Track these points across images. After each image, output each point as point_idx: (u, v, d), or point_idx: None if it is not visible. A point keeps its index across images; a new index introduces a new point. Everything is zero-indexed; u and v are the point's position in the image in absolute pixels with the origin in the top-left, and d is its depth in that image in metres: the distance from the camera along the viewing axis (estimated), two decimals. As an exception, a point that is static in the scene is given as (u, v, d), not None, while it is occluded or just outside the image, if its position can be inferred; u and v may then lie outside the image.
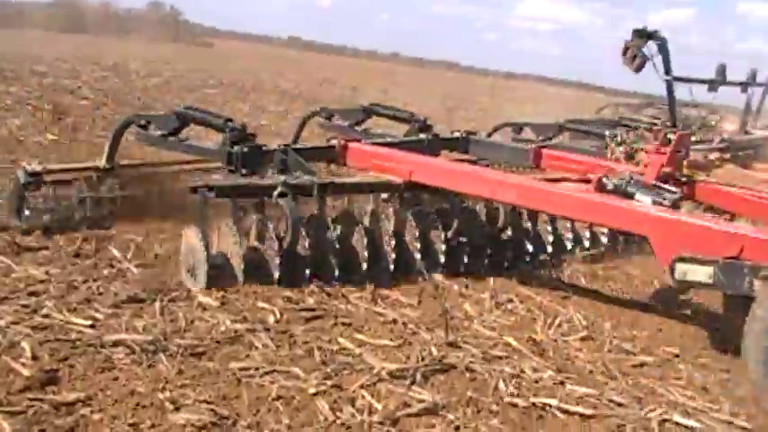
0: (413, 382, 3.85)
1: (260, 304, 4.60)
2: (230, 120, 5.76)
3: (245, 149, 5.53)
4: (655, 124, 8.89)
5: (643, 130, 7.94)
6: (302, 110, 16.10)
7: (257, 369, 3.80)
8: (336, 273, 5.16)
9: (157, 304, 4.43)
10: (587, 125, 8.73)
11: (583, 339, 4.74)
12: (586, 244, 6.85)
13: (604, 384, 4.10)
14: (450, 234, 5.73)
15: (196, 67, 24.19)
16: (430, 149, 6.99)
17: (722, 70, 8.55)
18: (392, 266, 5.45)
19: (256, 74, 25.80)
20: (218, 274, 4.81)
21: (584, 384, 4.05)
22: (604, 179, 5.19)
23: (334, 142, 6.38)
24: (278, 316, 4.48)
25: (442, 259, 5.67)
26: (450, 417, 3.57)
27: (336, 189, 5.62)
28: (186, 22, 59.20)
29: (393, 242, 5.46)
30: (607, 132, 7.55)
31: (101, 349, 3.77)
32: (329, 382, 3.74)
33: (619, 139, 7.12)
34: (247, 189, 5.27)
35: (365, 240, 5.29)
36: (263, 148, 5.70)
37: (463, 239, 5.80)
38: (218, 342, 4.04)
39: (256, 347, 4.06)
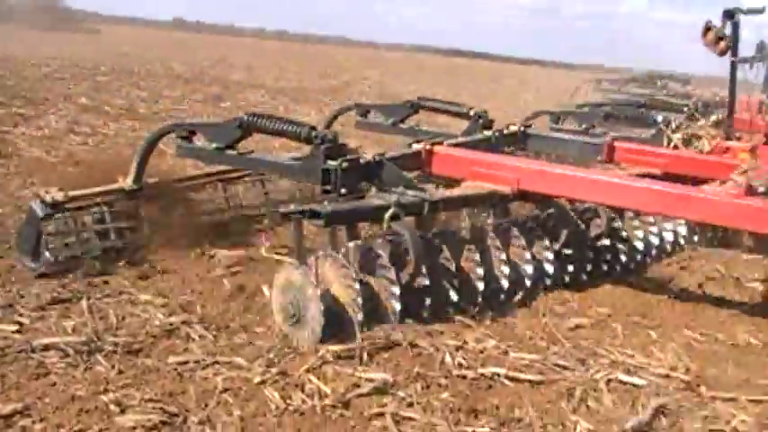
0: (359, 363, 3.80)
1: (191, 297, 4.49)
2: (314, 128, 4.80)
3: (345, 165, 4.58)
4: (687, 105, 8.72)
5: (693, 112, 7.82)
6: (200, 92, 15.84)
7: (198, 362, 3.70)
8: (455, 301, 4.45)
9: (84, 302, 4.27)
10: (628, 110, 8.37)
11: (518, 306, 4.76)
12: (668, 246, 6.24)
13: (546, 349, 4.13)
14: (558, 245, 5.17)
15: (86, 55, 23.41)
16: (497, 148, 6.25)
17: (763, 47, 8.28)
18: (506, 288, 4.75)
19: (147, 58, 25.14)
20: (331, 320, 3.97)
21: (528, 351, 4.07)
22: (754, 182, 4.74)
23: (417, 147, 5.43)
24: (211, 304, 4.37)
25: (551, 271, 5.07)
26: (401, 394, 3.52)
27: (447, 205, 4.83)
28: (68, 9, 57.20)
29: (504, 260, 4.77)
30: (659, 118, 7.28)
31: (32, 355, 3.60)
32: (274, 370, 3.66)
33: (673, 125, 6.88)
34: (359, 213, 4.43)
35: (479, 261, 4.60)
36: (361, 160, 4.72)
37: (569, 250, 5.25)
38: (153, 337, 3.93)
39: (194, 339, 3.96)
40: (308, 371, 3.66)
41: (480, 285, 4.55)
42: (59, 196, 4.83)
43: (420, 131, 6.95)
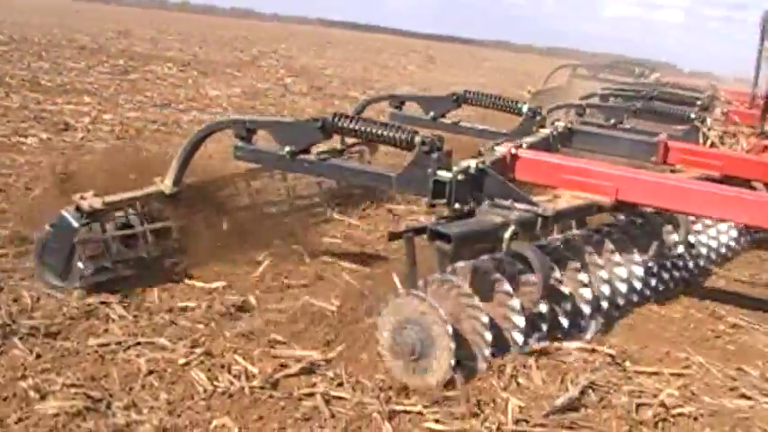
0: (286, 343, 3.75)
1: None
2: (416, 132, 4.16)
3: (461, 177, 3.96)
4: (698, 98, 8.38)
5: (707, 105, 7.47)
6: (106, 64, 15.38)
7: (119, 344, 3.59)
8: (566, 326, 4.04)
9: (-5, 284, 4.08)
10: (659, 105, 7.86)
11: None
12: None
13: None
14: (648, 257, 4.81)
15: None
16: (554, 147, 5.70)
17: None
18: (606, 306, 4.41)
19: (48, 28, 24.25)
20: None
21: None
22: None
23: (501, 150, 4.80)
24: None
25: (640, 286, 4.72)
26: (330, 374, 3.49)
27: (556, 219, 4.26)
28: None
29: (605, 277, 4.44)
30: (693, 115, 6.95)
31: (-57, 341, 3.42)
32: (198, 350, 3.58)
33: (709, 123, 6.58)
34: (482, 233, 3.79)
35: (586, 280, 4.22)
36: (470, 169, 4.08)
37: (654, 262, 4.88)
38: (71, 319, 3.77)
39: (113, 320, 3.83)
40: (234, 351, 3.59)
41: (587, 303, 4.21)
42: (97, 203, 4.17)
43: (465, 128, 6.46)
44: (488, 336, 3.50)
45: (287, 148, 4.38)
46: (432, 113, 6.55)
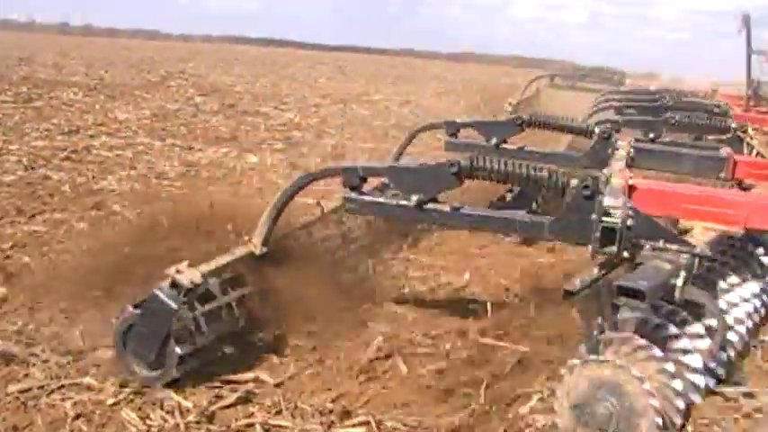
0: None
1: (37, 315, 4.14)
2: (564, 172, 3.78)
3: (632, 222, 3.46)
4: (717, 105, 8.12)
5: (726, 112, 7.27)
6: (8, 93, 14.90)
7: (42, 388, 3.42)
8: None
9: None
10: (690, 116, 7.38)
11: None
12: None
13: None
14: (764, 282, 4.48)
15: None
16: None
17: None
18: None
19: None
20: None
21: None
22: None
23: (617, 182, 4.25)
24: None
25: (759, 305, 4.35)
26: (268, 402, 3.40)
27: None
28: None
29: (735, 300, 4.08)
30: (733, 125, 6.70)
31: None
32: (128, 389, 3.44)
33: (751, 132, 6.35)
34: (662, 284, 3.26)
35: (725, 307, 3.87)
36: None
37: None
38: (-13, 365, 3.57)
39: (34, 364, 3.63)
40: (165, 386, 3.45)
41: (736, 337, 3.86)
42: (196, 277, 3.57)
43: (531, 153, 5.96)
44: (679, 386, 3.15)
45: (414, 198, 3.90)
46: (494, 140, 6.06)
